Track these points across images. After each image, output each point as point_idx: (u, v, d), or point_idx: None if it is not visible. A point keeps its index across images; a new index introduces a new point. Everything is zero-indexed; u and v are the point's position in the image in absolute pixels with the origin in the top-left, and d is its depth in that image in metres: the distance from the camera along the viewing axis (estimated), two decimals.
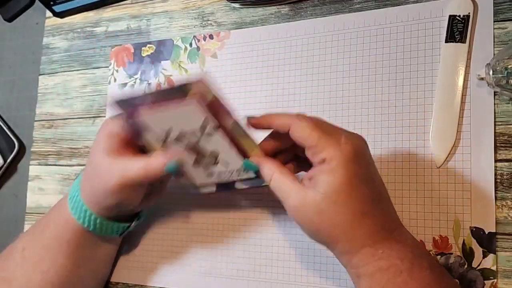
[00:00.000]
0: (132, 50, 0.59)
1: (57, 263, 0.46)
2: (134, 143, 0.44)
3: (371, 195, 0.36)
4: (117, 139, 0.43)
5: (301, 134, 0.36)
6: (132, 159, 0.42)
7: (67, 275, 0.47)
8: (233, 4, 0.54)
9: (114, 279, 0.54)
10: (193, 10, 0.57)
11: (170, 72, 0.56)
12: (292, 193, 0.36)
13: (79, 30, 0.64)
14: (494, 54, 0.43)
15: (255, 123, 0.40)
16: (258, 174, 0.40)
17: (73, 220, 0.45)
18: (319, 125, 0.37)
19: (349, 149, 0.35)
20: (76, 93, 0.62)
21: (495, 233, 0.41)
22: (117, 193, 0.42)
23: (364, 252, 0.35)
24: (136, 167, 0.42)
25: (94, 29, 0.63)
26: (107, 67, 0.60)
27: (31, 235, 0.49)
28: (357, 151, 0.36)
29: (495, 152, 0.42)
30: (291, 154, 0.41)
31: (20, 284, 0.46)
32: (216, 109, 0.39)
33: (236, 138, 0.40)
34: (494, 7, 0.44)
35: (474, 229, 0.41)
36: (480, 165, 0.42)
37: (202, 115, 0.38)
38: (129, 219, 0.48)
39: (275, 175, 0.38)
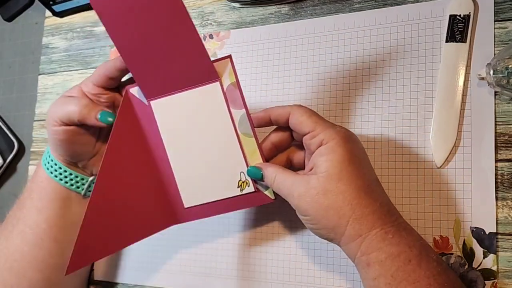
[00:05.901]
0: None
1: (31, 219, 0.46)
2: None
3: (371, 177, 0.37)
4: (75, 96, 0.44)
5: (300, 119, 0.38)
6: (71, 101, 0.43)
7: (42, 235, 0.46)
8: (233, 4, 0.54)
9: (114, 279, 0.54)
10: (193, 9, 0.57)
11: None
12: (296, 183, 0.37)
13: (78, 29, 0.63)
14: (494, 54, 0.43)
15: (255, 118, 0.41)
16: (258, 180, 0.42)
17: (43, 172, 0.46)
18: (315, 113, 0.39)
19: (344, 131, 0.38)
20: None
21: (496, 233, 0.41)
22: (61, 135, 0.43)
23: (374, 235, 0.35)
24: (70, 108, 0.42)
25: (94, 28, 0.63)
26: None
27: (16, 203, 0.49)
28: (351, 137, 0.38)
29: (496, 152, 0.42)
30: (286, 161, 0.43)
31: (1, 252, 0.47)
32: (232, 94, 0.41)
33: (239, 135, 0.41)
34: (494, 6, 0.44)
35: (474, 229, 0.41)
36: (480, 165, 0.42)
37: (219, 98, 0.40)
38: None
39: (278, 175, 0.39)
